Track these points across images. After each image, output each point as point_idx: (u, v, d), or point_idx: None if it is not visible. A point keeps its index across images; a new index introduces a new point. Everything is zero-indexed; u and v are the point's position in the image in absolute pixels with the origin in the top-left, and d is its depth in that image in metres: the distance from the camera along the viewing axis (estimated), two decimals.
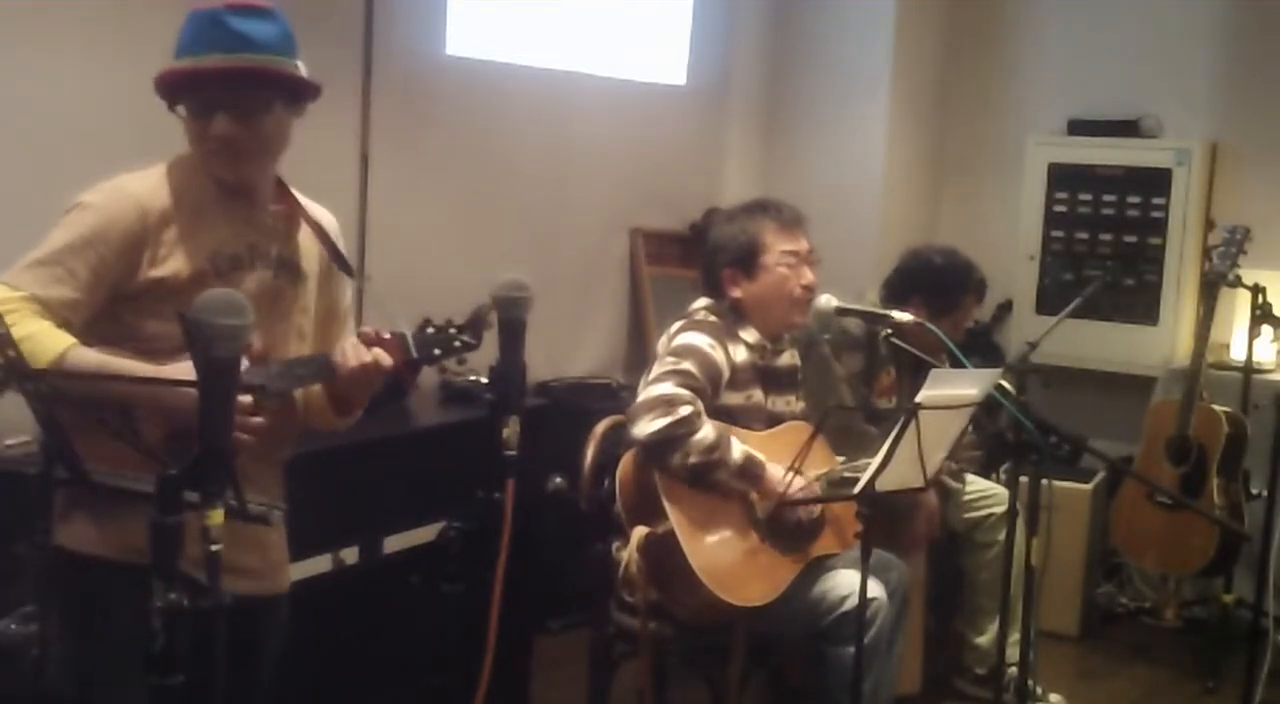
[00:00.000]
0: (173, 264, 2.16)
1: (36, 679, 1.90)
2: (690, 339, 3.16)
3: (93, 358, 2.06)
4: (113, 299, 2.15)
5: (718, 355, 3.16)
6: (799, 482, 3.06)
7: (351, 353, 2.24)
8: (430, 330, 2.35)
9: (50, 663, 1.91)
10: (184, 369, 1.99)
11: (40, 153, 3.28)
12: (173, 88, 2.20)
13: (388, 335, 2.29)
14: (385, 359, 2.25)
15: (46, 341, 2.03)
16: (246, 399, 2.07)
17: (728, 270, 3.28)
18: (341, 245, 2.43)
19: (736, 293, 3.28)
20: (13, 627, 1.93)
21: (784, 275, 3.26)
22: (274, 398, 2.17)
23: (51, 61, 3.37)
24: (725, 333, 3.23)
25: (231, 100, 2.17)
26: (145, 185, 2.19)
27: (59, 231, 2.15)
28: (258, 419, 2.09)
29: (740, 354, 3.23)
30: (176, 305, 2.08)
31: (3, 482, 2.60)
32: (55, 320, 2.08)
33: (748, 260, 3.27)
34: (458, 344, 2.36)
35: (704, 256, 3.40)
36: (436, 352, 2.35)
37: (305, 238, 2.36)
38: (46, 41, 3.36)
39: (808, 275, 3.28)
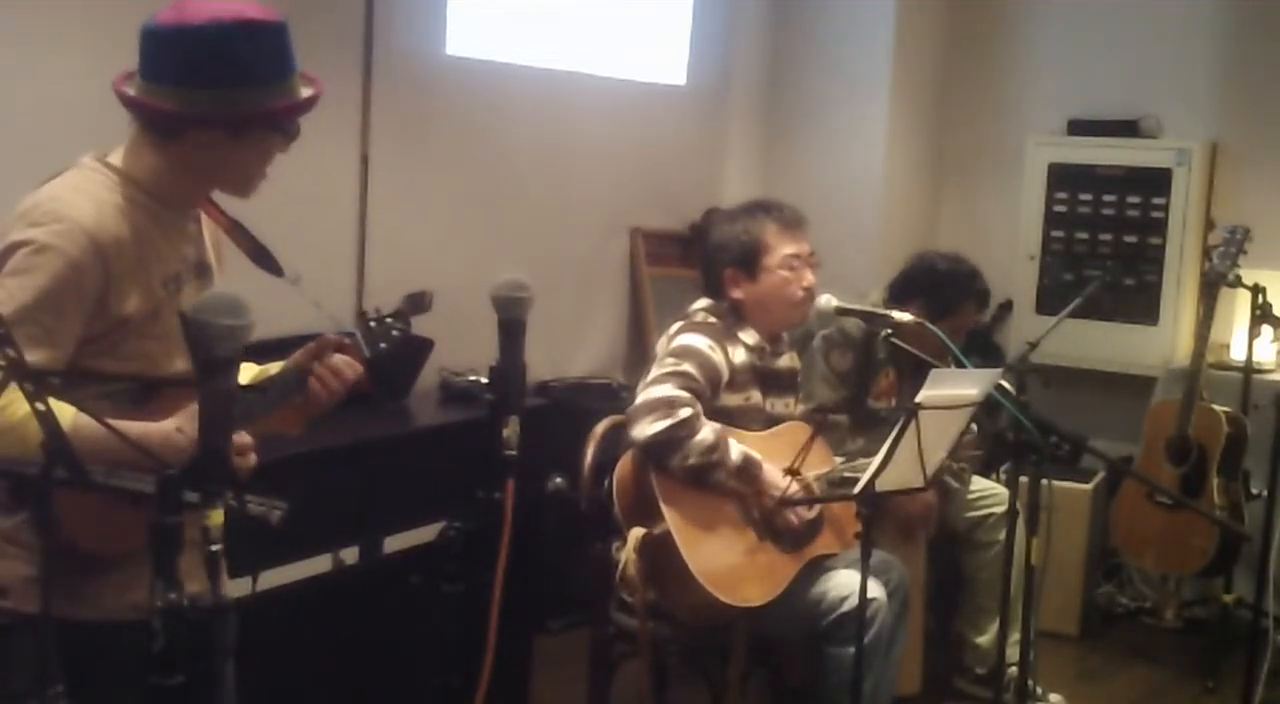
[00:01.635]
0: (132, 300, 2.02)
1: None
2: (689, 340, 3.17)
3: (95, 424, 1.83)
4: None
5: (717, 357, 3.16)
6: (796, 485, 3.07)
7: (325, 368, 2.13)
8: (372, 324, 2.25)
9: None
10: (178, 425, 1.95)
11: (40, 152, 3.28)
12: (264, 119, 2.04)
13: (347, 340, 2.19)
14: (357, 368, 2.17)
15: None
16: (247, 439, 2.02)
17: (729, 270, 3.28)
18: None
19: (737, 293, 3.28)
20: None
21: (785, 278, 3.26)
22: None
23: (53, 59, 3.37)
24: (724, 334, 3.23)
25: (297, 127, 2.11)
26: (88, 214, 1.98)
27: (22, 280, 1.93)
28: (252, 457, 2.04)
29: (739, 355, 3.23)
30: (134, 341, 2.04)
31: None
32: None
33: (750, 261, 3.27)
34: (395, 333, 2.27)
35: (704, 256, 3.40)
36: (382, 346, 2.25)
37: (206, 233, 2.24)
38: (47, 39, 3.36)
39: (808, 278, 3.29)
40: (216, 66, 1.99)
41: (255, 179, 2.13)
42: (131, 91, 2.04)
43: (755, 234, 3.28)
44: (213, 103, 2.00)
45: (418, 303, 2.29)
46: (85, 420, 1.83)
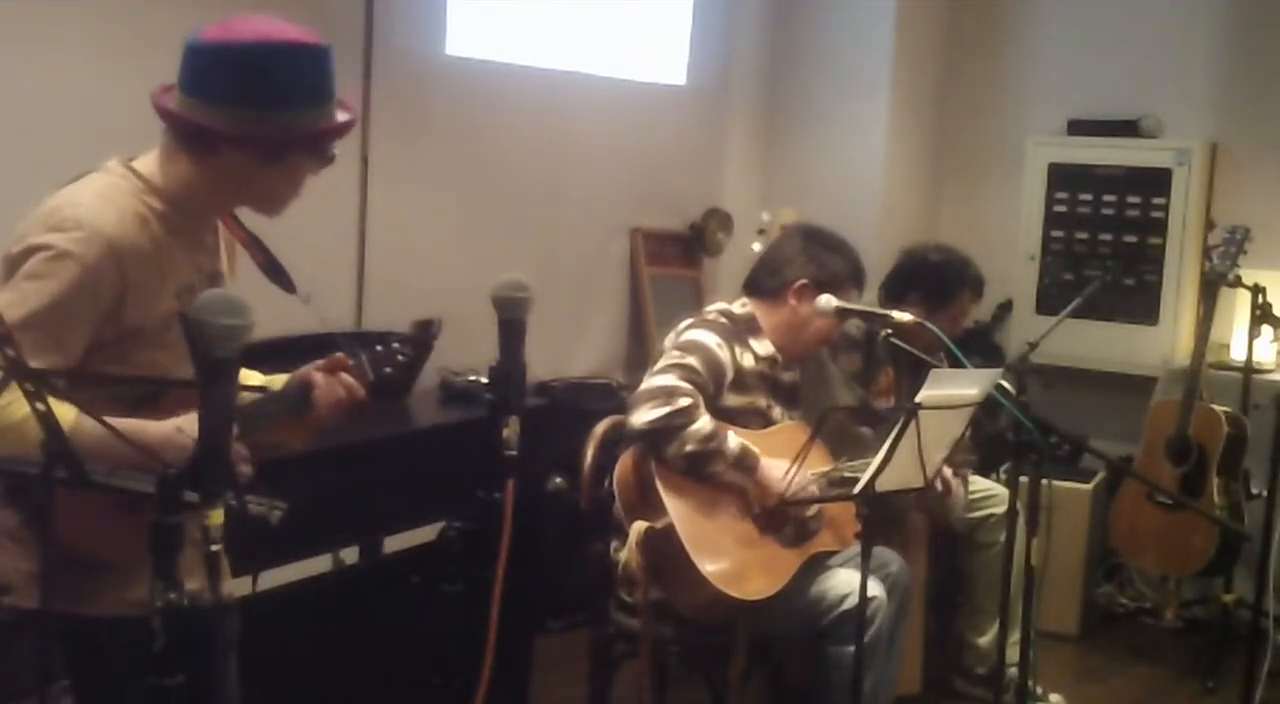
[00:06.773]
0: (146, 310, 2.03)
1: None
2: (697, 336, 3.18)
3: (96, 424, 1.83)
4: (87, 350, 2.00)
5: (723, 354, 3.17)
6: (798, 479, 3.06)
7: (330, 387, 2.12)
8: (378, 348, 2.24)
9: None
10: (179, 425, 1.93)
11: (45, 154, 3.28)
12: (298, 142, 2.04)
13: (352, 362, 2.17)
14: (358, 390, 2.15)
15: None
16: (243, 451, 1.97)
17: (804, 283, 3.29)
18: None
19: (793, 302, 3.29)
20: None
21: (832, 324, 3.33)
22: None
23: (57, 61, 3.36)
24: (735, 336, 3.24)
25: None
26: (110, 221, 1.98)
27: (37, 285, 1.93)
28: (246, 467, 2.01)
29: (748, 360, 3.24)
30: (145, 350, 2.04)
31: None
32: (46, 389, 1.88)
33: (824, 290, 3.29)
34: (401, 358, 2.27)
35: (777, 254, 3.39)
36: (387, 370, 2.24)
37: (222, 242, 2.25)
38: (52, 41, 3.36)
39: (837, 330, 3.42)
40: (258, 87, 1.99)
41: (285, 199, 2.13)
42: (171, 105, 2.04)
43: (837, 273, 3.32)
44: (249, 123, 2.00)
45: (426, 330, 2.27)
46: (87, 421, 1.83)
